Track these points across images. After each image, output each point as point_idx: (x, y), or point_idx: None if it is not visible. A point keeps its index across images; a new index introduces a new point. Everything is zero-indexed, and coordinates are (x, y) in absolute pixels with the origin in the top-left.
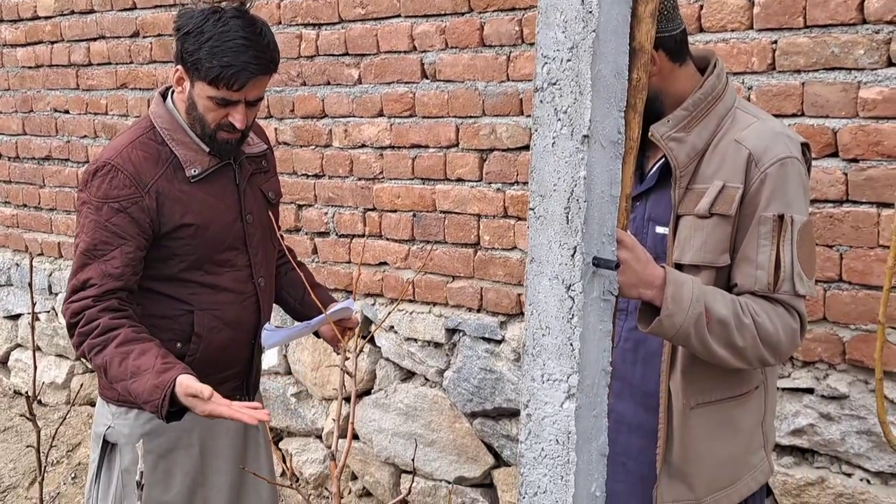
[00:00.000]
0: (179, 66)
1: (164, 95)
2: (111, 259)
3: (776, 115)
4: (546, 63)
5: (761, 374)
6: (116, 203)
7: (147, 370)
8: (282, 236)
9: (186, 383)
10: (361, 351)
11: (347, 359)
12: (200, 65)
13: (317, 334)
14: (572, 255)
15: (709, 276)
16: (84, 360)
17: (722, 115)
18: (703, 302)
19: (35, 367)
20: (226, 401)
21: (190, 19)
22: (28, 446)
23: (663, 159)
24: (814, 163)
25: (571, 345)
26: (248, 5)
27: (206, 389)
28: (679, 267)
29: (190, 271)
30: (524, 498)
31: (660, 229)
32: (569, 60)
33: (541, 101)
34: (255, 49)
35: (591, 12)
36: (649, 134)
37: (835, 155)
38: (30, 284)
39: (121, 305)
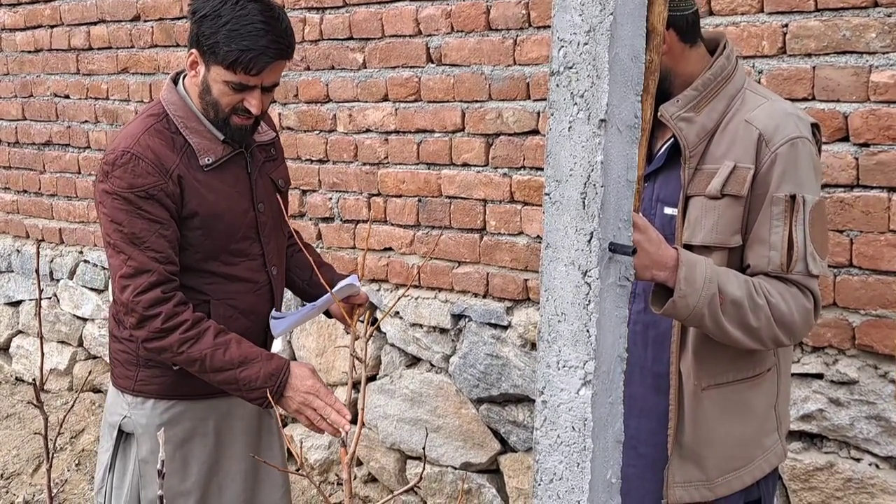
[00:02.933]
0: (194, 50)
1: (174, 81)
2: (153, 244)
3: (787, 100)
4: (562, 46)
5: (774, 357)
6: (143, 191)
7: (255, 358)
8: (288, 218)
9: (303, 374)
10: (372, 336)
11: (358, 338)
12: (218, 48)
13: (328, 313)
14: (588, 241)
15: (721, 257)
16: (152, 350)
17: (732, 95)
18: (717, 283)
19: (42, 355)
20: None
21: (206, 2)
22: (35, 433)
23: (672, 140)
24: (825, 147)
25: (588, 331)
26: None
27: (322, 389)
28: (690, 248)
29: (206, 261)
30: (540, 485)
31: (668, 210)
32: (586, 44)
33: (557, 85)
34: (273, 33)
35: None
36: (658, 114)
37: (846, 139)
38: (37, 271)
39: (186, 298)
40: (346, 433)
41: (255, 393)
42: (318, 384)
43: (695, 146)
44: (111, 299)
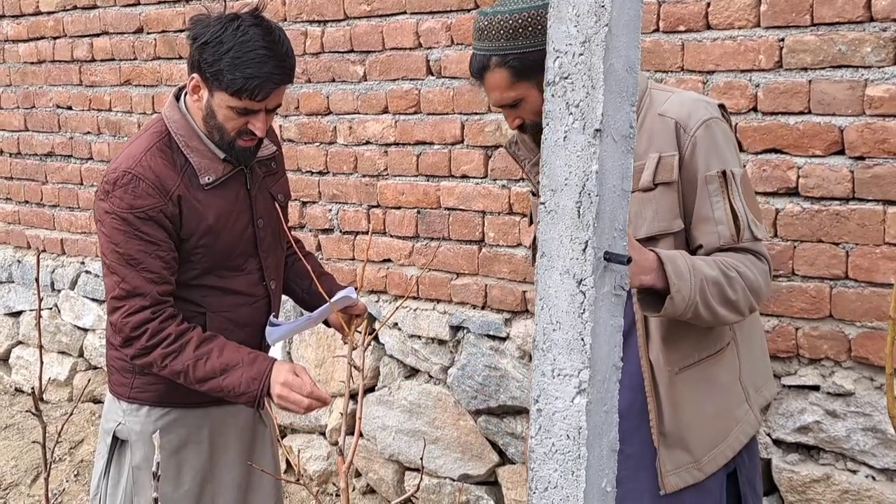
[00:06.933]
0: (196, 75)
1: (177, 96)
2: (149, 265)
3: (782, 113)
4: (558, 57)
5: (730, 331)
6: (142, 212)
7: (237, 364)
8: (289, 229)
9: (284, 376)
10: (369, 345)
11: (355, 348)
12: (222, 76)
13: (326, 322)
14: (584, 250)
15: (667, 244)
16: (139, 366)
17: (639, 98)
18: (699, 269)
19: (41, 364)
20: (307, 399)
21: (206, 28)
22: (34, 442)
23: None
24: (821, 160)
25: (583, 340)
26: (260, 10)
27: (305, 385)
28: None
29: (202, 276)
30: (535, 493)
31: None
32: (581, 55)
33: (552, 95)
34: (276, 59)
35: (603, 6)
36: None
37: (841, 153)
38: (37, 280)
39: (175, 312)
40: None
41: (241, 398)
42: (291, 378)
43: None
44: None
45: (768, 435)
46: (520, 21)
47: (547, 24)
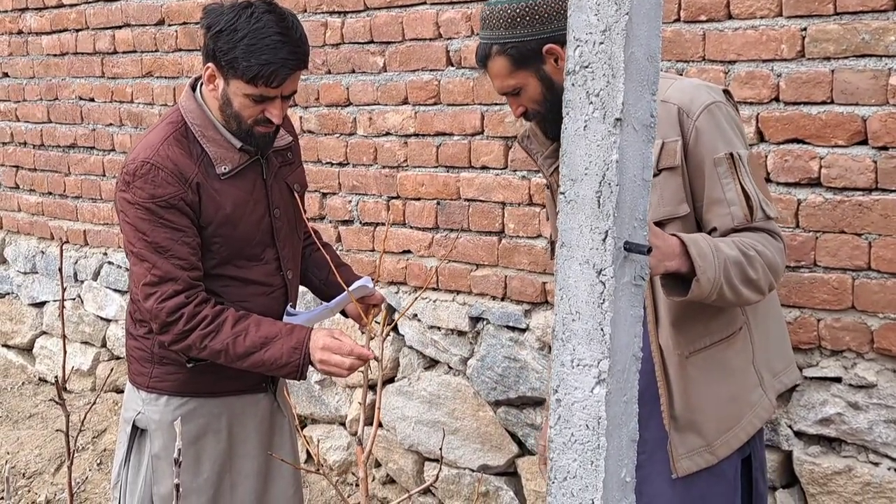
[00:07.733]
0: (211, 64)
1: (193, 87)
2: (177, 251)
3: (805, 103)
4: (578, 46)
5: (742, 315)
6: (164, 201)
7: (276, 336)
8: (307, 220)
9: (324, 340)
10: (388, 335)
11: (373, 338)
12: (237, 63)
13: (343, 313)
14: (603, 240)
15: (675, 229)
16: (177, 351)
17: None
18: (720, 249)
19: (65, 352)
20: (348, 359)
21: (220, 16)
22: (57, 431)
23: None
24: (843, 150)
25: (602, 330)
26: None
27: (345, 345)
28: None
29: (221, 266)
30: (554, 483)
31: None
32: (601, 43)
33: (572, 85)
34: (290, 45)
35: None
36: None
37: (864, 143)
38: (60, 271)
39: (208, 295)
40: (373, 358)
41: (284, 369)
42: (330, 341)
43: None
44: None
45: (789, 427)
46: (518, 11)
47: (544, 14)
